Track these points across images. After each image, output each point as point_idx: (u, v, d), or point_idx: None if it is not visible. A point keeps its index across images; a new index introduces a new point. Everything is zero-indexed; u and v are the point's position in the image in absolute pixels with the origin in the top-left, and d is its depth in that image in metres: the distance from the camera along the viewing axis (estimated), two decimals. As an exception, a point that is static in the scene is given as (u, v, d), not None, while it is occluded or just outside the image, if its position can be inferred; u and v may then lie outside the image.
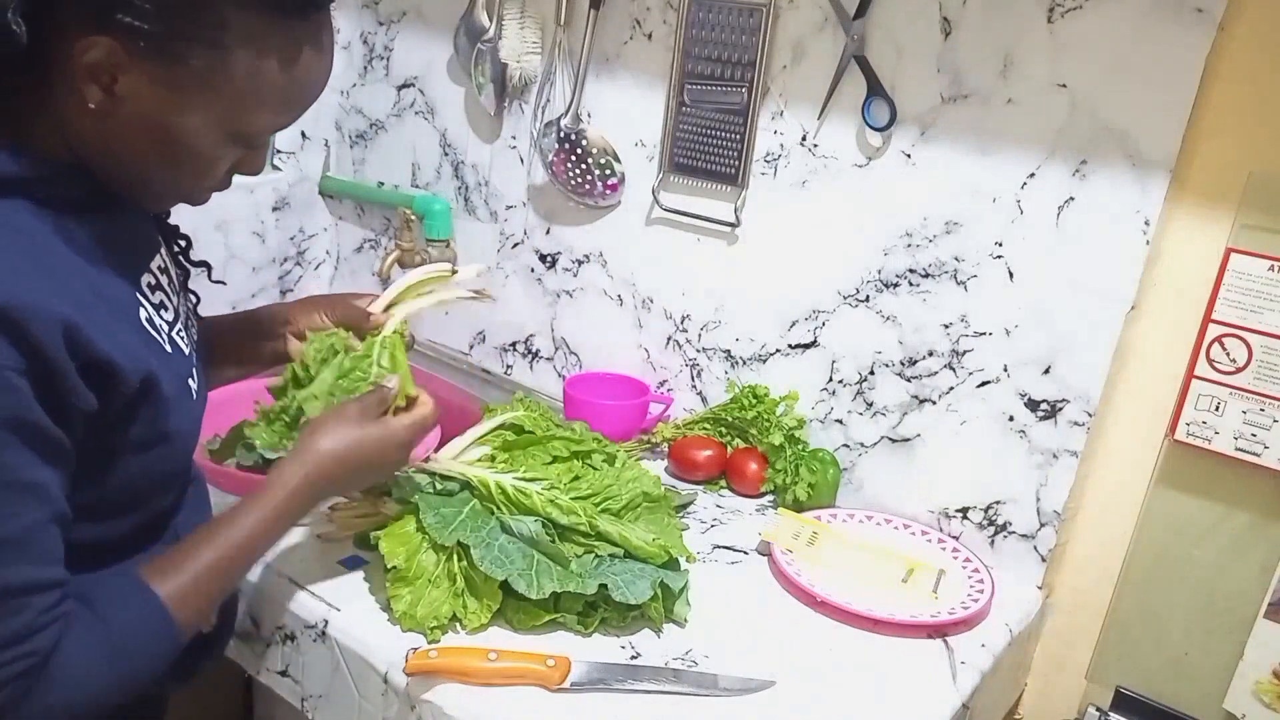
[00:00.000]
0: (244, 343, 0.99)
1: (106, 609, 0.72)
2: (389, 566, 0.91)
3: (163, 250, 0.85)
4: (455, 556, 0.93)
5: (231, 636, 0.96)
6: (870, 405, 1.23)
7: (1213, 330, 1.00)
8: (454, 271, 1.02)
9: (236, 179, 0.80)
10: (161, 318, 0.79)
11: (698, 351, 1.38)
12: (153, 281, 0.80)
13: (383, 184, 1.68)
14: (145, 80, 0.68)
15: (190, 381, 0.81)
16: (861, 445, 1.24)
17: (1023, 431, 1.11)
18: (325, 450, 0.84)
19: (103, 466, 0.73)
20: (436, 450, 1.05)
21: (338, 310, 0.99)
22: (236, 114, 0.71)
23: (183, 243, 0.90)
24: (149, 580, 0.74)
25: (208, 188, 0.78)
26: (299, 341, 0.95)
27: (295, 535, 1.04)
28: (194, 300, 0.91)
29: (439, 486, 1.00)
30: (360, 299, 1.00)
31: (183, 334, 0.82)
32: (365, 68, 1.68)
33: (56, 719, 0.70)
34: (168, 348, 0.78)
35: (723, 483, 1.29)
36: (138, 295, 0.77)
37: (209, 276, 0.94)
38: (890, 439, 1.22)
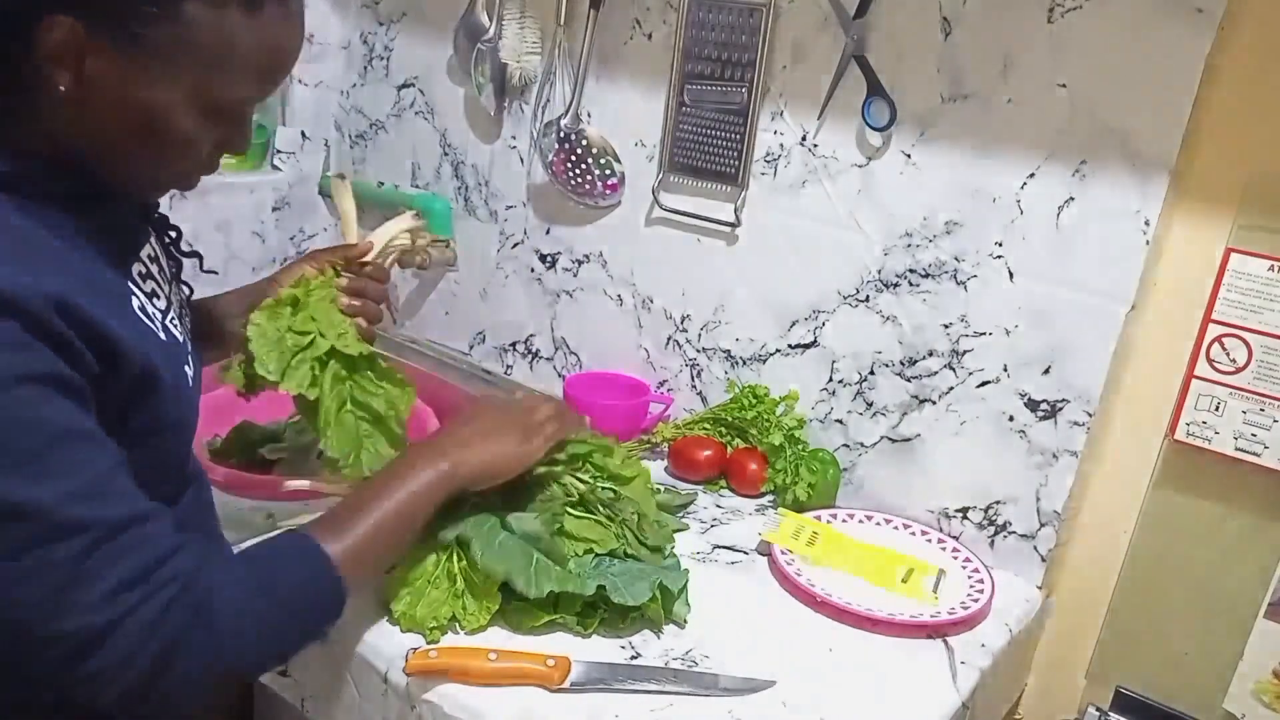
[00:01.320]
0: (235, 317, 1.00)
1: (272, 562, 0.74)
2: (388, 568, 0.91)
3: (153, 240, 0.85)
4: (455, 556, 0.93)
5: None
6: (870, 405, 1.23)
7: (1213, 330, 1.00)
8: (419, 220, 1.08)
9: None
10: (154, 306, 0.79)
11: (698, 351, 1.38)
12: (143, 270, 0.80)
13: (383, 184, 1.68)
14: (110, 59, 0.67)
15: (186, 368, 0.81)
16: (861, 445, 1.24)
17: (1022, 431, 1.11)
18: (485, 429, 0.92)
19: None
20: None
21: (320, 258, 1.01)
22: (205, 84, 0.70)
23: (173, 234, 0.90)
24: (318, 537, 0.76)
25: (193, 170, 0.78)
26: None
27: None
28: (187, 292, 0.92)
29: None
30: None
31: (176, 323, 0.83)
32: (365, 68, 1.68)
33: (228, 660, 0.69)
34: (161, 335, 0.78)
35: (723, 483, 1.29)
36: (129, 284, 0.77)
37: (200, 267, 0.94)
38: (890, 439, 1.22)
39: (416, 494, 0.84)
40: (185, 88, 0.70)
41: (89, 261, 0.72)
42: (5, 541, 0.62)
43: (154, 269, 0.83)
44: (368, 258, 1.02)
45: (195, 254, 0.94)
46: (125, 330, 0.70)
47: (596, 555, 0.95)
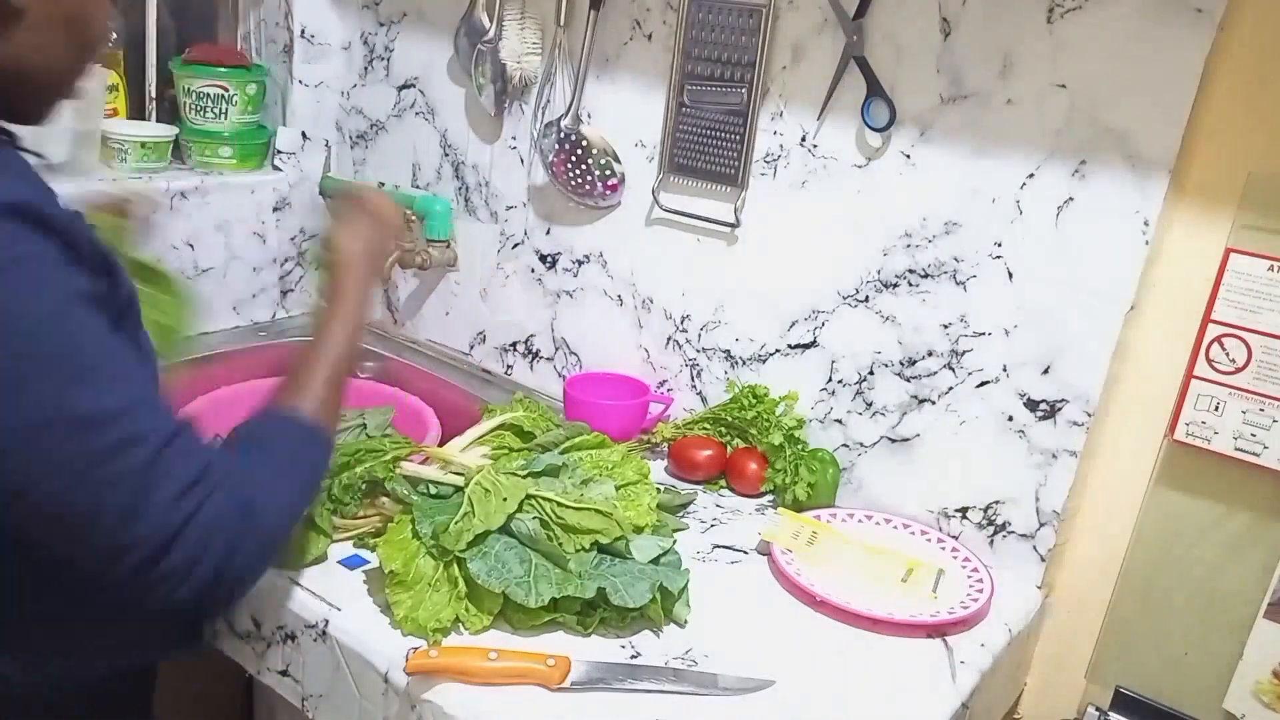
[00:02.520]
0: None
1: (273, 443, 0.79)
2: (387, 571, 0.92)
3: None
4: (454, 561, 0.93)
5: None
6: (870, 405, 1.23)
7: (1212, 330, 1.00)
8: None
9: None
10: None
11: (698, 351, 1.38)
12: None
13: (383, 184, 1.68)
14: None
15: None
16: (861, 445, 1.24)
17: (1022, 431, 1.11)
18: (358, 247, 0.98)
19: None
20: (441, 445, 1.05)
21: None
22: None
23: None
24: (287, 402, 0.83)
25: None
26: None
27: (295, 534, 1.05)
28: None
29: (433, 490, 1.01)
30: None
31: None
32: (365, 68, 1.68)
33: (274, 545, 0.75)
34: None
35: (723, 483, 1.29)
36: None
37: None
38: (890, 439, 1.22)
39: (347, 333, 0.91)
40: None
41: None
42: (76, 453, 0.64)
43: None
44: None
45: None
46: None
47: (600, 550, 0.96)
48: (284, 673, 0.98)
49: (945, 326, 1.15)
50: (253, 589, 0.75)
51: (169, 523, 0.66)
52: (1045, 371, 1.09)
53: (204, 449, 0.71)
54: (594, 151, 1.39)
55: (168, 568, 0.66)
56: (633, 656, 0.92)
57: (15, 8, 0.67)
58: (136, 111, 1.63)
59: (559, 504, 0.98)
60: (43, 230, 0.64)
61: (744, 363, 1.33)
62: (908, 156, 1.14)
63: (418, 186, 1.65)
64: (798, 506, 1.21)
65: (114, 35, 0.82)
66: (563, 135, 1.40)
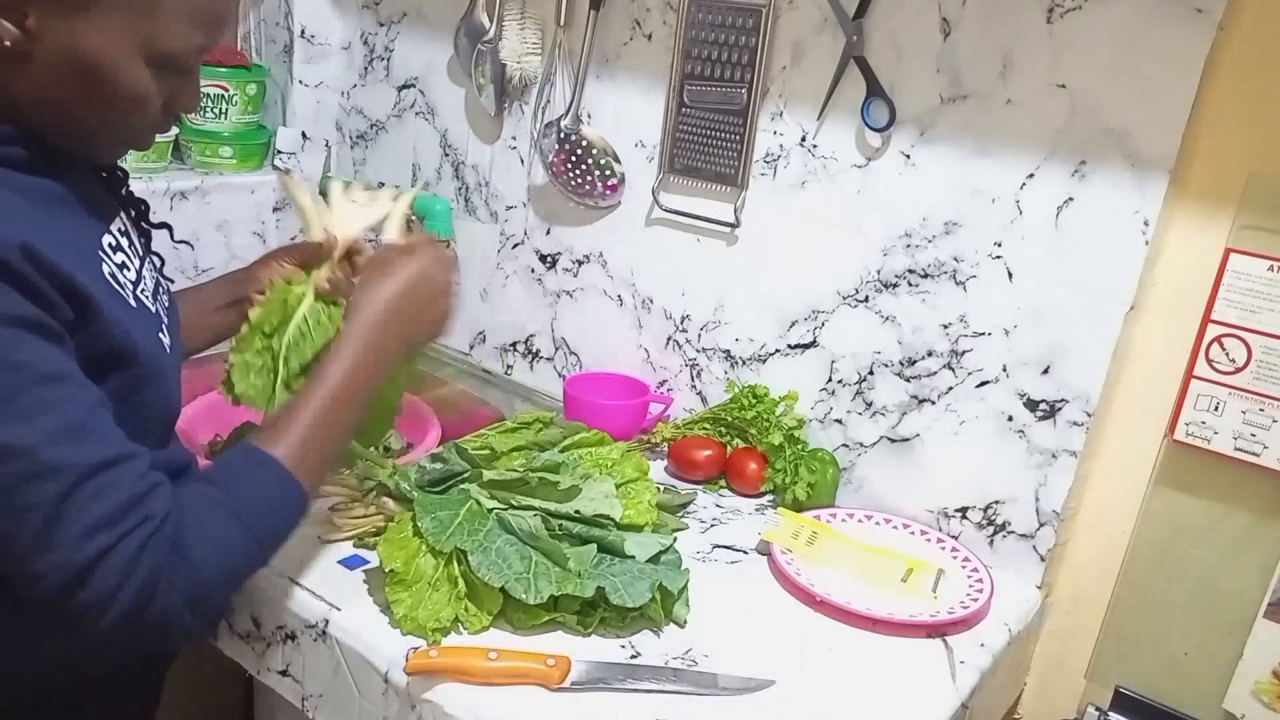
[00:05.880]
0: (216, 309, 1.02)
1: (228, 481, 0.75)
2: (387, 570, 0.92)
3: (122, 216, 0.86)
4: (455, 560, 0.93)
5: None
6: (869, 405, 1.23)
7: (1212, 330, 1.00)
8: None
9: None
10: (124, 276, 0.80)
11: (697, 351, 1.38)
12: (113, 243, 0.81)
13: (383, 184, 1.68)
14: (55, 11, 0.68)
15: (161, 336, 0.82)
16: (861, 445, 1.24)
17: (1022, 431, 1.11)
18: (381, 292, 0.87)
19: None
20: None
21: (294, 254, 1.01)
22: (149, 33, 0.71)
23: (141, 207, 0.91)
24: (262, 446, 0.76)
25: (146, 128, 0.78)
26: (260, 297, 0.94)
27: (295, 535, 1.04)
28: (159, 262, 0.92)
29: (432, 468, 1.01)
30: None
31: (148, 294, 0.83)
32: (365, 68, 1.68)
33: (211, 587, 0.71)
34: (132, 303, 0.79)
35: (722, 483, 1.29)
36: (99, 253, 0.78)
37: (171, 238, 0.95)
38: (889, 439, 1.22)
39: (347, 384, 0.82)
40: (130, 39, 0.71)
41: (57, 225, 0.73)
42: None
43: (124, 242, 0.84)
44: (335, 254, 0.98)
45: (165, 225, 0.94)
46: (94, 286, 0.71)
47: (600, 549, 0.96)
48: (284, 673, 0.98)
49: (945, 326, 1.15)
50: (204, 629, 0.72)
51: (79, 556, 0.65)
52: (1045, 371, 1.09)
53: (136, 484, 0.68)
54: (594, 151, 1.39)
55: (86, 599, 0.66)
56: (632, 656, 0.92)
57: (21, 51, 0.69)
58: (136, 111, 1.63)
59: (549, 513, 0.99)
60: None
61: (744, 363, 1.33)
62: (908, 156, 1.14)
63: (418, 187, 1.65)
64: (798, 506, 1.21)
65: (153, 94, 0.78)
66: (563, 135, 1.40)
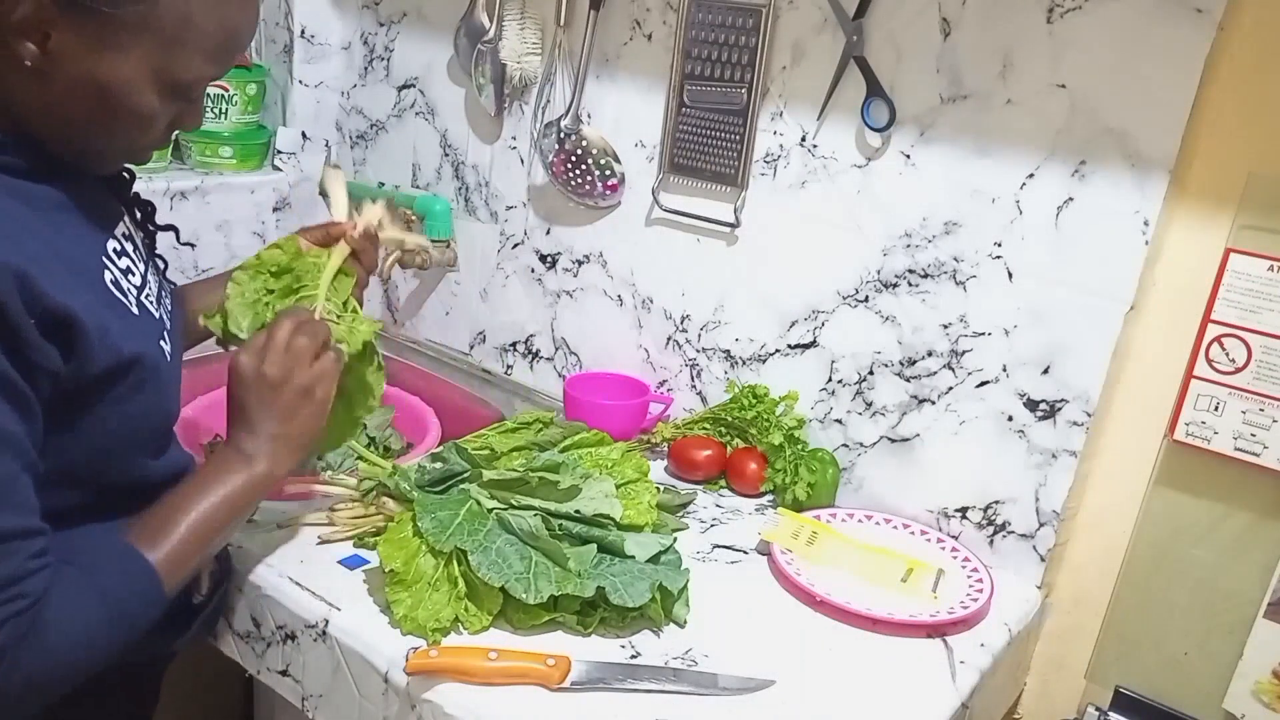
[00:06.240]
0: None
1: (98, 572, 0.73)
2: (387, 570, 0.92)
3: (126, 219, 0.86)
4: (455, 560, 0.93)
5: (221, 600, 0.98)
6: (869, 405, 1.23)
7: (1212, 330, 1.00)
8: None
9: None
10: (128, 282, 0.80)
11: (697, 351, 1.38)
12: (118, 248, 0.81)
13: (383, 184, 1.68)
14: (76, 34, 0.69)
15: (163, 344, 0.82)
16: (861, 445, 1.24)
17: (1022, 431, 1.11)
18: (251, 413, 0.84)
19: (78, 428, 0.74)
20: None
21: (312, 234, 1.02)
22: (166, 63, 0.72)
23: (148, 208, 0.92)
24: (138, 546, 0.76)
25: (148, 145, 0.79)
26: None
27: (295, 535, 1.05)
28: (163, 265, 0.93)
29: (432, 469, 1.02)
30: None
31: (152, 299, 0.83)
32: (365, 68, 1.68)
33: (55, 673, 0.71)
34: (134, 310, 0.79)
35: (722, 482, 1.29)
36: (102, 259, 0.78)
37: (176, 239, 0.95)
38: (889, 439, 1.22)
39: (233, 502, 0.81)
40: (147, 66, 0.72)
41: (58, 234, 0.73)
42: None
43: (128, 247, 0.84)
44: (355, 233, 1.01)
45: (171, 227, 0.94)
46: (87, 304, 0.71)
47: (600, 549, 0.96)
48: (284, 672, 0.98)
49: (945, 326, 1.15)
50: (35, 704, 0.72)
51: None
52: (1045, 371, 1.09)
53: (27, 562, 0.68)
54: (594, 151, 1.39)
55: None
56: (632, 656, 0.92)
57: (39, 70, 0.69)
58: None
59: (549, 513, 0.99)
60: None
61: (744, 363, 1.33)
62: (908, 156, 1.14)
63: (418, 186, 1.65)
64: (798, 506, 1.21)
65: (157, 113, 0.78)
66: (563, 135, 1.40)
